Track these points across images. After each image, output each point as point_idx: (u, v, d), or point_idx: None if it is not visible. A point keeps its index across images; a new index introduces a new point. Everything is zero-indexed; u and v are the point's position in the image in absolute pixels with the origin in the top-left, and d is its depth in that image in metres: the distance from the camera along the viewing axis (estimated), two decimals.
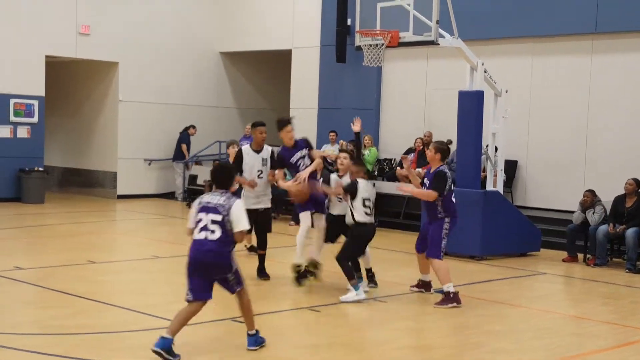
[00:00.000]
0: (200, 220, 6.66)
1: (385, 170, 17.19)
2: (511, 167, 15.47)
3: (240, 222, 6.62)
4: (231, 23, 21.28)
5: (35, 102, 18.51)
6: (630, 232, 11.95)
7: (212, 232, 6.58)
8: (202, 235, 6.62)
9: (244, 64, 22.17)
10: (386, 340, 7.58)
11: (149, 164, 20.28)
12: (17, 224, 15.08)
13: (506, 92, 13.36)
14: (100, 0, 19.21)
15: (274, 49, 20.62)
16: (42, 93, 18.61)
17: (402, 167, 16.34)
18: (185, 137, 20.10)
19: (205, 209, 6.66)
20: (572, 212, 13.16)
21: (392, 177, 16.64)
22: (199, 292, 6.65)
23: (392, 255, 12.66)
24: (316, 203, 9.66)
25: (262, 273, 10.18)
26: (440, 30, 12.40)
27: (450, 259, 11.99)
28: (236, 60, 21.97)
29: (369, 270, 9.70)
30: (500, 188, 13.26)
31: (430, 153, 9.18)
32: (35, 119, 18.55)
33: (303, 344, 7.33)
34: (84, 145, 20.84)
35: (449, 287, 8.91)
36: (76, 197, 20.02)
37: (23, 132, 18.47)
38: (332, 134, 18.01)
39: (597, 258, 12.33)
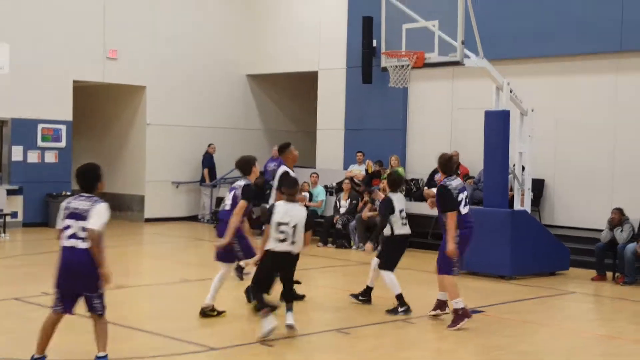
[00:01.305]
0: (69, 226, 6.46)
1: (413, 190, 17.19)
2: (538, 186, 15.41)
3: (92, 219, 6.43)
4: (257, 46, 21.48)
5: (63, 127, 18.73)
6: None
7: (83, 240, 6.42)
8: (71, 242, 6.43)
9: (271, 86, 22.35)
10: None
11: (177, 186, 20.45)
12: (45, 249, 15.19)
13: (532, 111, 13.36)
14: (128, 25, 19.47)
15: (301, 70, 20.77)
16: (69, 117, 18.83)
17: (429, 187, 16.34)
18: (206, 159, 20.18)
19: (74, 215, 6.47)
20: (600, 230, 13.06)
21: (420, 197, 16.63)
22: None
23: (421, 276, 12.63)
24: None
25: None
26: (466, 51, 12.43)
27: (480, 279, 11.97)
28: (263, 82, 22.16)
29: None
30: (527, 207, 13.22)
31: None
32: (62, 144, 18.78)
33: None
34: (111, 168, 21.00)
35: (457, 303, 8.74)
36: None
37: (51, 157, 18.68)
38: (359, 154, 18.08)
39: (626, 276, 12.23)
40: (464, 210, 8.86)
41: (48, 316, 6.64)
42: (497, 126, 12.69)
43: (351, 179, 17.25)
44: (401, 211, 9.55)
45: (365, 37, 18.17)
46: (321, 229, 16.19)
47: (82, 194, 6.68)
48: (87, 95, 20.57)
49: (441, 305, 9.34)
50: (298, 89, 22.61)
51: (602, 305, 11.44)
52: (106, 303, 6.67)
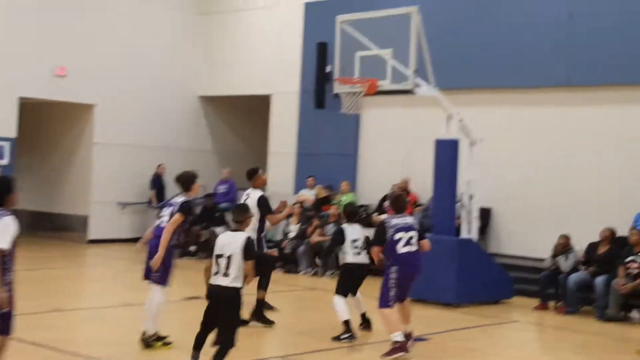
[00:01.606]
0: None
1: (362, 216, 17.20)
2: (485, 215, 15.57)
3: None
4: (211, 67, 21.41)
5: (6, 144, 18.17)
6: (599, 280, 12.05)
7: None
8: None
9: (223, 108, 22.26)
10: None
11: (123, 207, 20.12)
12: None
13: (481, 140, 13.54)
14: (78, 42, 19.07)
15: (254, 93, 20.75)
16: (13, 135, 18.31)
17: (379, 214, 16.42)
18: (155, 180, 19.82)
19: None
20: (543, 259, 13.25)
21: (369, 223, 16.65)
22: None
23: (368, 303, 12.61)
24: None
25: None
26: (418, 80, 12.59)
27: (426, 307, 12.01)
28: (215, 103, 22.07)
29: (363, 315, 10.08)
30: (474, 235, 13.35)
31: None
32: (5, 161, 18.21)
33: None
34: (55, 188, 20.63)
35: (396, 337, 8.73)
36: (46, 242, 19.43)
37: None
38: (310, 179, 18.08)
39: (568, 306, 12.40)
40: (401, 249, 8.88)
41: None
42: (446, 155, 12.84)
43: (301, 203, 17.24)
44: (354, 241, 9.75)
45: (320, 63, 18.25)
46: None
47: None
48: (34, 112, 20.18)
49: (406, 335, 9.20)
50: (251, 112, 22.55)
51: (544, 334, 11.58)
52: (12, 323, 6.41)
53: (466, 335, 10.44)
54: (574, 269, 12.52)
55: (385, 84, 12.77)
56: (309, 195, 17.89)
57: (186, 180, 8.91)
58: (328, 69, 17.95)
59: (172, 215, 8.58)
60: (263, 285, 10.20)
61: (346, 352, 9.01)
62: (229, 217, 18.44)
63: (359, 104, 12.99)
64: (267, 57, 20.22)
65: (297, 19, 19.55)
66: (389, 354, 8.68)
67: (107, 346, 8.73)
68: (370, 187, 17.99)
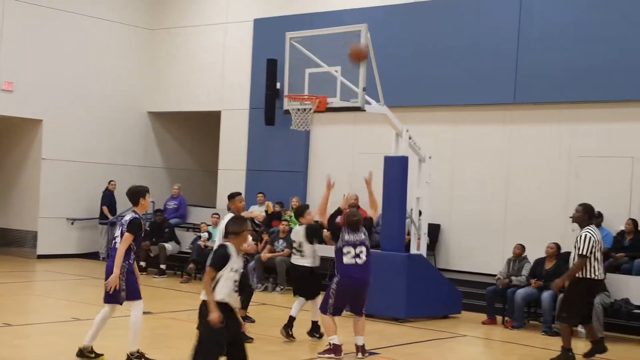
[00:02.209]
0: None
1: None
2: (434, 231, 15.79)
3: None
4: (160, 83, 21.34)
5: None
6: (546, 295, 12.30)
7: None
8: None
9: (173, 124, 22.17)
10: None
11: (72, 223, 19.89)
12: None
13: (430, 158, 13.74)
14: (25, 57, 18.89)
15: (203, 110, 20.72)
16: None
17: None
18: (105, 196, 19.70)
19: None
20: (491, 275, 13.45)
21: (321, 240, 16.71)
22: None
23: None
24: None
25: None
26: (367, 97, 12.72)
27: (376, 321, 12.09)
28: (165, 120, 21.96)
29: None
30: (423, 251, 13.52)
31: None
32: None
33: None
34: (3, 203, 20.30)
35: (332, 339, 9.40)
36: None
37: None
38: (260, 195, 18.10)
39: (515, 320, 12.62)
40: (345, 260, 9.57)
41: None
42: (395, 171, 12.99)
43: (251, 219, 17.21)
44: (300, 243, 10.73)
45: (269, 80, 18.34)
46: None
47: None
48: None
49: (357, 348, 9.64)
50: (200, 128, 22.51)
51: (492, 348, 11.75)
52: None
53: (415, 350, 10.55)
54: (524, 284, 12.75)
55: (335, 101, 12.86)
56: (259, 211, 17.89)
57: (135, 194, 8.86)
58: (278, 85, 18.07)
59: (122, 234, 8.62)
60: (244, 305, 10.41)
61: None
62: (178, 232, 18.40)
63: (309, 120, 13.05)
64: (217, 74, 20.23)
65: (247, 35, 19.63)
66: (322, 352, 9.45)
67: None
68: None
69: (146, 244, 17.60)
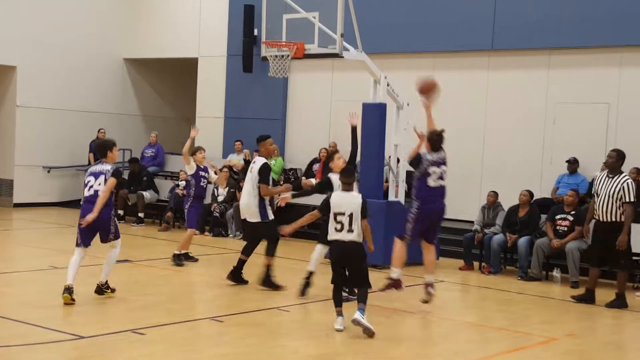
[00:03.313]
0: None
1: (291, 179, 17.31)
2: (412, 178, 15.81)
3: None
4: (136, 30, 21.03)
5: None
6: (522, 241, 12.46)
7: None
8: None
9: (149, 71, 21.93)
10: (292, 349, 7.68)
11: (48, 171, 19.76)
12: None
13: (408, 105, 13.71)
14: None
15: (180, 56, 20.50)
16: None
17: (307, 178, 16.50)
18: (92, 145, 19.59)
19: None
20: (469, 222, 13.55)
21: (298, 187, 16.73)
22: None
23: (297, 265, 12.77)
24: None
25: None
26: (345, 44, 12.63)
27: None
28: (141, 67, 21.71)
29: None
30: (401, 198, 13.58)
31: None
32: None
33: (208, 354, 7.32)
34: None
35: (395, 273, 9.61)
36: None
37: None
38: (237, 143, 18.04)
39: (492, 266, 12.80)
40: (431, 182, 9.74)
41: None
42: (374, 119, 12.97)
43: (230, 167, 17.20)
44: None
45: (247, 26, 18.13)
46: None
47: None
48: None
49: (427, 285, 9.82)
50: (178, 75, 22.29)
51: (468, 293, 11.92)
52: None
53: (392, 296, 10.66)
54: (501, 231, 12.89)
55: (313, 48, 12.77)
56: (237, 159, 17.86)
57: (102, 147, 9.37)
58: (255, 32, 17.87)
59: (105, 181, 9.02)
60: (270, 252, 10.32)
61: (277, 313, 9.13)
62: (156, 180, 18.34)
63: (287, 67, 12.97)
64: (193, 20, 19.97)
65: None
66: (383, 289, 9.64)
67: (35, 309, 8.65)
68: (299, 151, 18.08)
69: (124, 192, 17.56)
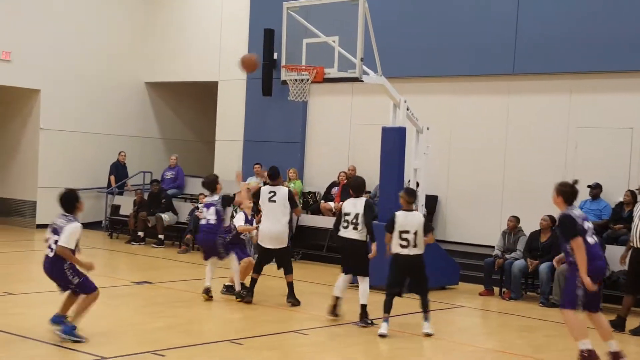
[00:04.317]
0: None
1: (310, 203, 17.33)
2: (432, 202, 15.81)
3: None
4: (157, 53, 21.23)
5: None
6: (543, 267, 12.35)
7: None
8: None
9: (170, 95, 22.10)
10: None
11: None
12: None
13: (427, 129, 13.72)
14: (22, 27, 18.84)
15: (200, 80, 20.65)
16: None
17: (326, 201, 16.52)
18: (113, 167, 19.78)
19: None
20: (489, 246, 13.47)
21: (316, 210, 16.78)
22: None
23: (315, 288, 12.73)
24: None
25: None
26: (365, 68, 12.67)
27: (372, 293, 12.13)
28: (162, 90, 21.89)
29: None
30: None
31: None
32: None
33: None
34: (2, 173, 20.34)
35: (585, 345, 7.90)
36: None
37: None
38: (257, 166, 18.08)
39: (512, 292, 12.69)
40: (591, 239, 8.02)
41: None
42: (393, 142, 12.97)
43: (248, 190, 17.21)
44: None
45: (266, 50, 18.25)
46: None
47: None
48: None
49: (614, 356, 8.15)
50: (198, 99, 22.45)
51: (489, 319, 11.81)
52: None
53: (412, 320, 10.59)
54: (522, 256, 12.79)
55: (333, 72, 12.80)
56: (256, 182, 17.89)
57: (212, 183, 11.24)
58: (275, 56, 17.98)
59: (217, 213, 10.93)
60: (289, 270, 10.91)
61: (295, 336, 9.10)
62: (176, 202, 18.42)
63: (306, 91, 13.00)
64: (214, 44, 20.13)
65: (244, 5, 19.52)
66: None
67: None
68: (317, 174, 18.10)
69: (143, 214, 17.65)
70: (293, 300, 10.86)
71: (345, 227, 9.93)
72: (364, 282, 10.00)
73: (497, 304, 12.47)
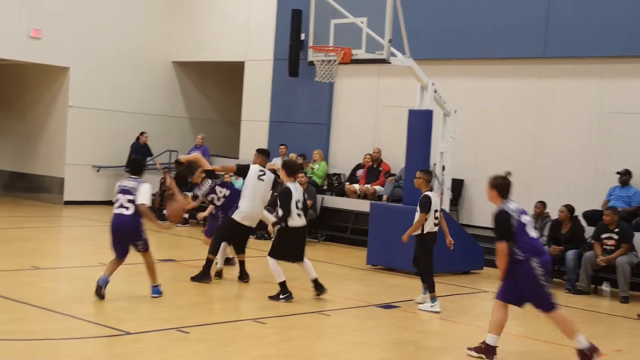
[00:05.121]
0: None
1: (334, 184, 17.32)
2: (457, 186, 15.72)
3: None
4: (185, 33, 21.25)
5: None
6: (570, 254, 12.24)
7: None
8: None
9: (197, 74, 22.15)
10: (331, 354, 7.65)
11: (98, 170, 20.08)
12: None
13: (455, 112, 13.62)
14: (53, 5, 19.00)
15: (227, 60, 20.66)
16: None
17: (351, 183, 16.50)
18: (134, 147, 19.83)
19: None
20: None
21: (341, 192, 16.77)
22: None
23: (339, 270, 12.75)
24: None
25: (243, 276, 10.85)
26: (392, 49, 12.59)
27: (397, 275, 12.14)
28: (189, 70, 21.94)
29: (314, 281, 9.85)
30: (446, 206, 13.48)
31: None
32: None
33: (250, 355, 7.35)
34: (31, 149, 20.56)
35: (579, 342, 7.52)
36: (22, 202, 19.75)
37: None
38: (282, 147, 18.09)
39: None
40: (532, 233, 7.70)
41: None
42: (420, 125, 12.90)
43: (273, 171, 17.23)
44: (297, 202, 9.54)
45: (294, 30, 18.19)
46: None
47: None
48: (9, 74, 20.01)
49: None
50: (224, 79, 22.47)
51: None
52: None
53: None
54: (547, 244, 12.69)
55: (360, 53, 12.75)
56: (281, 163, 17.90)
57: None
58: (302, 36, 17.92)
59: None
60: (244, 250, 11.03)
61: (317, 317, 9.12)
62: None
63: (333, 72, 12.97)
64: (241, 24, 20.11)
65: None
66: (472, 348, 7.68)
67: (82, 304, 8.79)
68: (343, 156, 18.06)
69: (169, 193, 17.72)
70: (246, 277, 10.90)
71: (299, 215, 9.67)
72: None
73: None
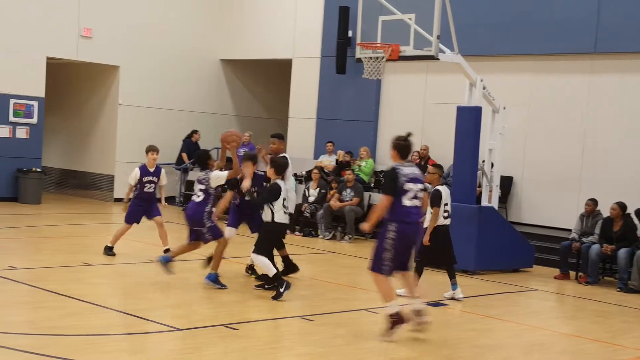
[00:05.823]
0: None
1: (382, 182, 17.24)
2: (506, 184, 15.55)
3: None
4: (233, 31, 21.39)
5: (35, 103, 18.59)
6: (622, 252, 12.03)
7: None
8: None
9: (244, 72, 22.27)
10: (380, 351, 7.62)
11: None
12: (14, 223, 15.12)
13: (504, 108, 13.47)
14: (103, 4, 19.32)
15: (275, 57, 20.73)
16: (42, 94, 18.70)
17: None
18: (186, 145, 20.07)
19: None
20: (566, 229, 13.18)
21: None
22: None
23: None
24: None
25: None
26: (441, 46, 12.49)
27: (444, 273, 12.03)
28: (236, 67, 22.07)
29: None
30: (495, 204, 13.34)
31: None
32: (34, 120, 18.63)
33: (297, 352, 7.36)
34: (82, 147, 20.92)
35: (390, 307, 7.79)
36: (73, 199, 20.09)
37: (22, 133, 18.54)
38: (329, 144, 18.09)
39: (589, 276, 12.41)
40: (407, 202, 7.77)
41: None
42: (468, 122, 12.78)
43: (321, 168, 17.27)
44: (284, 200, 9.49)
45: (341, 27, 18.17)
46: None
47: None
48: (61, 73, 20.37)
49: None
50: (272, 76, 22.55)
51: (564, 303, 11.59)
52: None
53: (484, 302, 10.49)
54: (598, 241, 12.48)
55: (408, 50, 12.68)
56: (328, 160, 17.92)
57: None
58: (350, 33, 17.89)
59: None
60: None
61: (362, 314, 9.10)
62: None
63: (381, 69, 12.91)
64: (288, 22, 20.16)
65: None
66: (387, 332, 7.87)
67: (132, 300, 8.93)
68: (390, 153, 17.94)
69: (219, 190, 17.85)
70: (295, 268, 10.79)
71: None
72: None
73: (572, 288, 12.22)
